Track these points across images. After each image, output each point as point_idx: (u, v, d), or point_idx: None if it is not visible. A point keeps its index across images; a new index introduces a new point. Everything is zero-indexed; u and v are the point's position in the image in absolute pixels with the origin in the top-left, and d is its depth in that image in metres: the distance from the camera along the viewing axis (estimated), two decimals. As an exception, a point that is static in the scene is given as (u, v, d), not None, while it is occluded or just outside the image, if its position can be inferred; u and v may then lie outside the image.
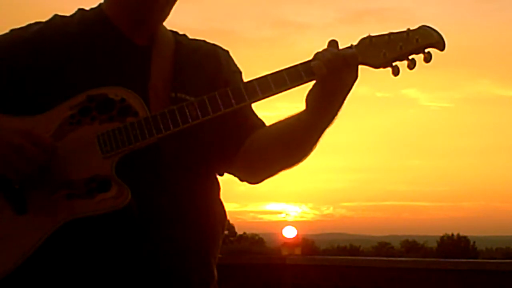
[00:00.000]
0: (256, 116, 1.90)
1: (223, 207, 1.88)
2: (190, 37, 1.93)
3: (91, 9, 1.86)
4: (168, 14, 1.84)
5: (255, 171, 1.89)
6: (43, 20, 1.83)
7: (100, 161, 1.65)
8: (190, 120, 1.67)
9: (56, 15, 1.84)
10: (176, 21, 1.89)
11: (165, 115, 1.66)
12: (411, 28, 1.69)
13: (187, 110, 1.67)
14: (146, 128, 1.65)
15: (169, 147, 1.72)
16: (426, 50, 1.67)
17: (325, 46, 1.70)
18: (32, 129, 1.65)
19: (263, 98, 1.70)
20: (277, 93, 1.69)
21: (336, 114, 1.70)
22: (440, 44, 1.66)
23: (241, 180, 1.91)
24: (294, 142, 1.77)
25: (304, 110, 1.71)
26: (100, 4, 1.86)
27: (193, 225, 1.77)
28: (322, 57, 1.66)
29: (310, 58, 1.69)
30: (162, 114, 1.67)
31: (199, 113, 1.67)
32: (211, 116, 1.67)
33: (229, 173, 1.90)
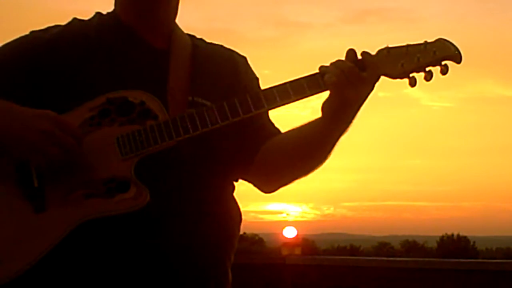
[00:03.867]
0: (272, 124, 1.90)
1: (238, 208, 1.88)
2: (208, 41, 1.94)
3: (108, 13, 1.87)
4: (175, 8, 1.85)
5: (269, 179, 1.89)
6: (44, 23, 1.84)
7: (119, 163, 1.66)
8: (209, 125, 1.67)
9: (74, 19, 1.85)
10: (178, 20, 1.89)
11: (184, 118, 1.67)
12: (428, 41, 1.70)
13: (206, 115, 1.68)
14: (165, 131, 1.66)
15: (187, 150, 1.72)
16: (443, 63, 1.68)
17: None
18: (62, 117, 1.66)
19: (282, 105, 1.70)
20: (295, 100, 1.70)
21: (351, 122, 1.72)
22: (457, 57, 1.67)
23: (256, 187, 1.91)
24: (309, 150, 1.78)
25: (319, 118, 1.72)
26: (114, 9, 1.87)
27: (210, 227, 1.77)
28: (337, 69, 1.66)
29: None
30: (182, 117, 1.67)
31: (218, 118, 1.68)
32: (229, 121, 1.68)
33: (244, 179, 1.90)
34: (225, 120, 1.68)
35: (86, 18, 1.86)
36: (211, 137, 1.71)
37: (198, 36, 1.93)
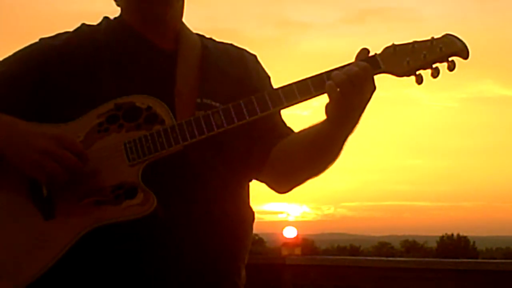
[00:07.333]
0: (285, 124, 1.90)
1: (252, 211, 1.87)
2: (217, 40, 1.93)
3: (115, 18, 1.87)
4: (181, 7, 1.85)
5: (283, 179, 1.88)
6: (47, 30, 1.84)
7: (127, 169, 1.66)
8: (215, 128, 1.68)
9: (83, 24, 1.86)
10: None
11: (191, 123, 1.68)
12: (435, 37, 1.68)
13: (212, 118, 1.68)
14: (172, 136, 1.67)
15: (195, 154, 1.72)
16: (450, 59, 1.65)
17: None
18: (63, 134, 1.67)
19: (288, 106, 1.70)
20: (302, 101, 1.70)
21: (356, 122, 1.71)
22: (464, 52, 1.65)
23: (270, 187, 1.91)
24: (317, 150, 1.78)
25: (325, 120, 1.71)
26: (121, 13, 1.87)
27: (221, 230, 1.77)
28: (335, 78, 1.65)
29: (335, 67, 1.69)
30: (188, 122, 1.68)
31: (224, 121, 1.68)
32: (235, 124, 1.68)
33: (258, 180, 1.90)
34: (231, 124, 1.68)
35: (95, 23, 1.87)
36: (220, 139, 1.71)
37: (208, 36, 1.92)
